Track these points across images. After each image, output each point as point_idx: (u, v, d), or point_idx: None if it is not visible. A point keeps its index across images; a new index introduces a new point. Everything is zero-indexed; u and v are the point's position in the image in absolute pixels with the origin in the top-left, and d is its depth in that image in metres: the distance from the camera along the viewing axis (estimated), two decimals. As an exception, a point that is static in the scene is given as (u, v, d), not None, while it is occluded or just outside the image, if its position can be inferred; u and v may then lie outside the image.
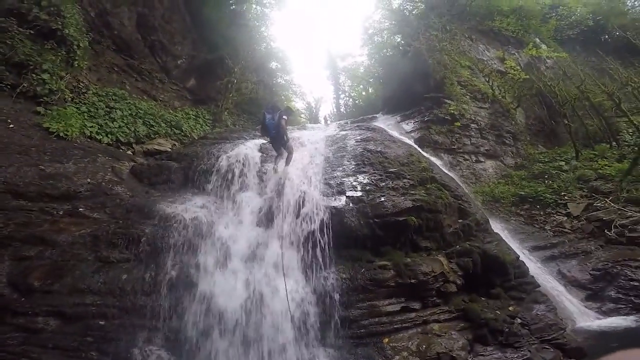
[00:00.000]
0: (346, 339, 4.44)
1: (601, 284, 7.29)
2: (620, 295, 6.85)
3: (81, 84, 9.03)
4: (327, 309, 4.53)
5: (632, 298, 6.70)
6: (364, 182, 5.85)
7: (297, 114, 18.99)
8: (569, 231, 9.18)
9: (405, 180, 5.93)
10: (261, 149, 7.51)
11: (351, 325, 4.53)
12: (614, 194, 9.80)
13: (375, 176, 5.98)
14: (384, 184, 5.79)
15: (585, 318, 6.50)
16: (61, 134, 7.26)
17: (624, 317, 6.38)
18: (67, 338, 4.18)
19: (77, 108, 8.30)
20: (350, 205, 5.35)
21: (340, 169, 6.40)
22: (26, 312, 4.29)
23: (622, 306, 6.68)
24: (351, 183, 5.85)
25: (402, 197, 5.45)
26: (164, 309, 4.42)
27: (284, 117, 6.52)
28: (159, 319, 4.35)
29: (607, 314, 6.61)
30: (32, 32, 7.67)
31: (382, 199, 5.37)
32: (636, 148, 11.21)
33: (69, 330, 4.24)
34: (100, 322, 4.31)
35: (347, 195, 5.52)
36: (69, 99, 8.33)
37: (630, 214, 8.85)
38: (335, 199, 5.49)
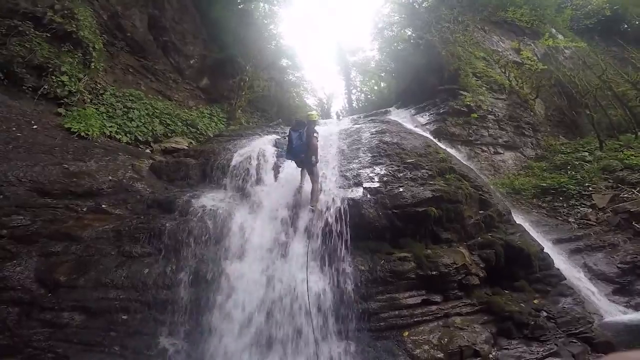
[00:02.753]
0: (365, 332, 4.37)
1: (629, 278, 7.00)
2: None
3: (99, 85, 9.30)
4: (346, 302, 4.46)
5: None
6: (381, 173, 5.76)
7: (309, 111, 19.00)
8: (594, 223, 8.84)
9: (423, 170, 5.81)
10: (276, 144, 7.52)
11: (370, 318, 4.46)
12: (642, 184, 9.38)
13: (392, 167, 5.88)
14: (401, 174, 5.69)
15: (613, 312, 6.26)
16: (82, 134, 7.49)
17: None
18: (92, 333, 4.26)
19: (96, 109, 8.55)
20: (368, 196, 5.27)
21: (356, 161, 6.32)
22: (52, 307, 4.41)
23: None
24: (368, 174, 5.77)
25: (421, 188, 5.33)
26: (184, 302, 4.45)
27: (314, 134, 5.67)
28: (179, 312, 4.38)
29: (636, 308, 6.35)
30: (48, 35, 7.90)
31: (401, 190, 5.26)
32: (664, 137, 10.70)
33: (93, 325, 4.33)
34: (123, 317, 4.38)
35: (364, 186, 5.44)
36: (88, 100, 8.58)
37: (659, 205, 8.46)
38: (352, 191, 5.43)
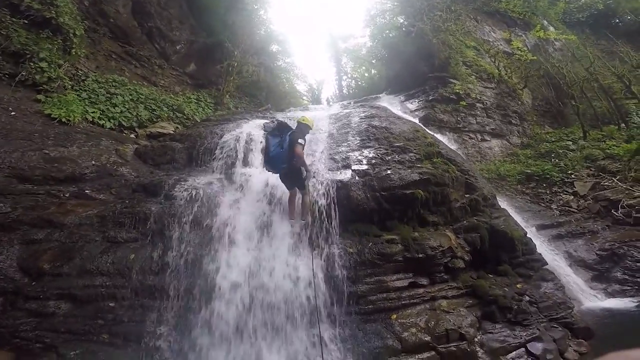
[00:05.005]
0: (354, 316, 4.41)
1: (607, 265, 7.21)
2: (627, 277, 6.78)
3: (80, 71, 9.07)
4: (335, 284, 4.48)
5: (639, 279, 6.62)
6: (370, 156, 5.75)
7: (299, 97, 18.76)
8: (576, 210, 9.09)
9: (411, 154, 5.83)
10: (264, 128, 7.38)
11: (359, 301, 4.49)
12: (622, 173, 9.65)
13: (380, 150, 5.88)
14: (390, 157, 5.70)
15: (591, 298, 6.47)
16: (63, 120, 7.28)
17: (630, 298, 6.32)
18: (79, 321, 4.19)
19: (77, 95, 8.32)
20: (356, 178, 5.27)
21: (345, 144, 6.29)
22: (37, 296, 4.31)
23: (628, 288, 6.61)
24: (357, 157, 5.75)
25: (409, 170, 5.35)
26: (172, 287, 4.39)
27: (299, 141, 4.65)
28: (167, 298, 4.33)
29: (613, 295, 6.57)
30: (26, 21, 7.67)
31: (389, 172, 5.27)
32: (645, 129, 11.03)
33: (80, 314, 4.25)
34: (110, 304, 4.32)
35: (352, 169, 5.43)
36: (69, 86, 8.36)
37: (637, 193, 8.69)
38: (340, 173, 5.41)
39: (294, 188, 5.01)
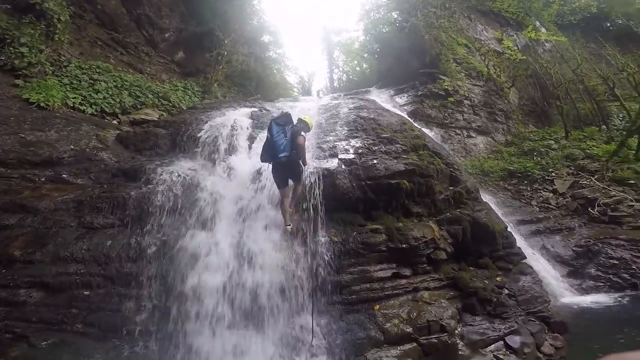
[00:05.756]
0: (338, 305, 4.39)
1: (582, 261, 7.42)
2: (600, 273, 6.98)
3: (62, 57, 8.88)
4: (319, 273, 4.45)
5: (611, 276, 6.81)
6: (357, 145, 5.76)
7: (289, 88, 18.58)
8: (554, 207, 9.37)
9: (397, 145, 5.86)
10: (252, 116, 7.30)
11: (342, 291, 4.48)
12: (600, 173, 10.00)
13: (368, 141, 5.89)
14: (376, 147, 5.71)
15: (567, 294, 6.64)
16: (42, 104, 7.10)
17: (603, 294, 6.52)
18: (51, 310, 4.06)
19: (59, 80, 8.15)
20: (343, 167, 5.26)
21: (333, 134, 6.28)
22: (7, 284, 4.14)
23: (601, 284, 6.80)
24: (344, 147, 5.75)
25: (395, 161, 5.38)
26: (150, 274, 4.29)
27: (302, 133, 4.71)
28: (145, 286, 4.22)
29: (587, 291, 6.73)
30: (9, 6, 7.52)
31: (375, 162, 5.29)
32: (624, 132, 11.40)
33: (53, 302, 4.12)
34: (85, 292, 4.19)
35: (339, 157, 5.43)
36: (50, 72, 8.17)
37: (613, 193, 9.04)
38: (327, 161, 5.40)
39: (285, 186, 4.78)
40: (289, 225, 4.72)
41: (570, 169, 10.65)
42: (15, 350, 3.75)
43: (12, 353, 3.70)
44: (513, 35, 17.27)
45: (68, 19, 8.65)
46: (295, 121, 4.99)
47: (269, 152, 4.65)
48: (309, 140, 5.81)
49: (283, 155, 4.56)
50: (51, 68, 8.18)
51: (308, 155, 5.06)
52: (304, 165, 4.80)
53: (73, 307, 4.10)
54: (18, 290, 4.11)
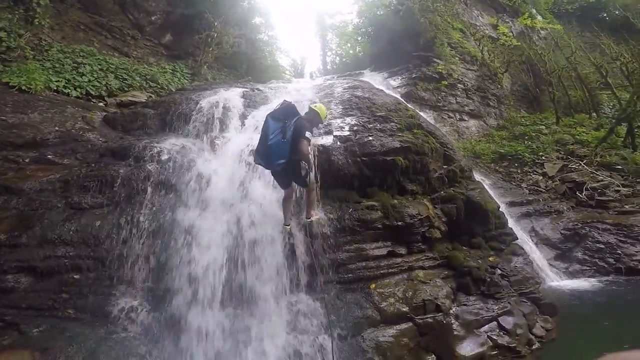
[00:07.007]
0: (334, 284, 4.34)
1: (570, 244, 7.45)
2: (587, 257, 7.03)
3: (44, 42, 8.67)
4: (316, 252, 4.36)
5: (597, 260, 6.88)
6: (352, 123, 5.68)
7: (281, 71, 18.21)
8: (544, 190, 9.53)
9: (392, 124, 5.80)
10: (244, 95, 7.10)
11: (339, 270, 4.43)
12: (589, 158, 10.20)
13: (363, 119, 5.81)
14: (371, 125, 5.65)
15: (554, 277, 6.71)
16: (23, 88, 6.91)
17: (589, 278, 6.59)
18: (41, 296, 3.92)
19: (40, 64, 7.98)
20: (338, 143, 5.20)
21: (328, 112, 6.15)
22: None
23: (587, 268, 6.86)
24: (338, 124, 5.67)
25: (390, 138, 5.34)
26: (142, 255, 4.17)
27: (306, 134, 3.77)
28: (137, 268, 4.10)
29: (574, 275, 6.79)
30: None
31: (370, 139, 5.24)
32: (614, 120, 11.59)
33: (43, 287, 3.97)
34: (75, 276, 4.04)
35: (334, 134, 5.36)
36: (30, 56, 7.95)
37: (601, 178, 9.24)
38: (322, 138, 5.32)
39: (290, 187, 4.19)
40: (288, 225, 4.39)
41: (560, 154, 10.83)
42: (7, 338, 3.61)
43: (4, 342, 3.57)
44: (508, 22, 17.24)
45: (48, 3, 8.43)
46: (301, 114, 4.09)
47: (263, 158, 3.77)
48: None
49: (279, 162, 3.70)
50: (32, 52, 8.01)
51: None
52: (308, 172, 4.04)
53: (63, 292, 3.97)
54: (5, 276, 3.95)
